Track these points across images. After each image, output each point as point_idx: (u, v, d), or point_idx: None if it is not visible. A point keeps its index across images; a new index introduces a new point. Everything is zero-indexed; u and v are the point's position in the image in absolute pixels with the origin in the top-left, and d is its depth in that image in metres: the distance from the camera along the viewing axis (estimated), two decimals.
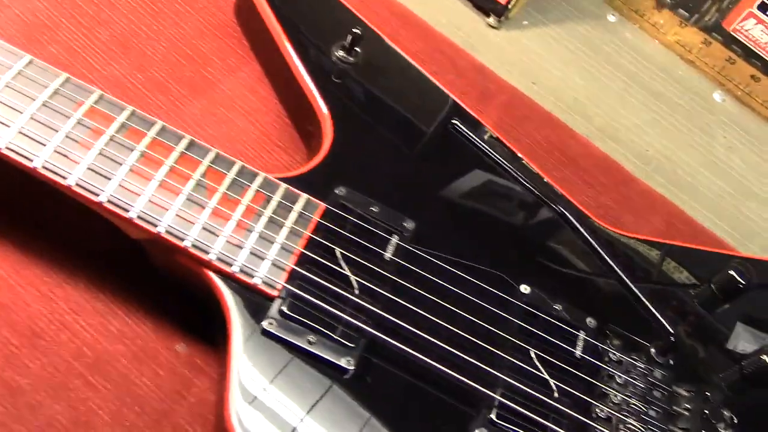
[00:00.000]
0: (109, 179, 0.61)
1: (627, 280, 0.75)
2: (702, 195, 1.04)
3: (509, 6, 1.06)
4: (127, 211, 0.61)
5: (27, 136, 0.61)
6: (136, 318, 0.67)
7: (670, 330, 0.73)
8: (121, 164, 0.62)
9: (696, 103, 1.15)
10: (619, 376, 0.68)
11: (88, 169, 0.61)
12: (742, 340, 0.76)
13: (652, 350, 0.71)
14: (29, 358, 0.63)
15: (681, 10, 1.14)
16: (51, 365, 0.63)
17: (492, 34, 1.08)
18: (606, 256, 0.76)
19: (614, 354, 0.70)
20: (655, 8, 1.16)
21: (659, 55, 1.18)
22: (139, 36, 0.81)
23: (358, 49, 0.78)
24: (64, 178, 0.60)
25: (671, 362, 0.71)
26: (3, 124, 0.61)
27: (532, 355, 0.66)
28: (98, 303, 0.66)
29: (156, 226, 0.61)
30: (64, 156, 0.61)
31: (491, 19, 1.08)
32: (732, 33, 1.12)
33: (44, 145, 0.61)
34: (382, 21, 0.95)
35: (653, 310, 0.73)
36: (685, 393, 0.70)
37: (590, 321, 0.71)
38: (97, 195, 0.60)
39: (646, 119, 1.10)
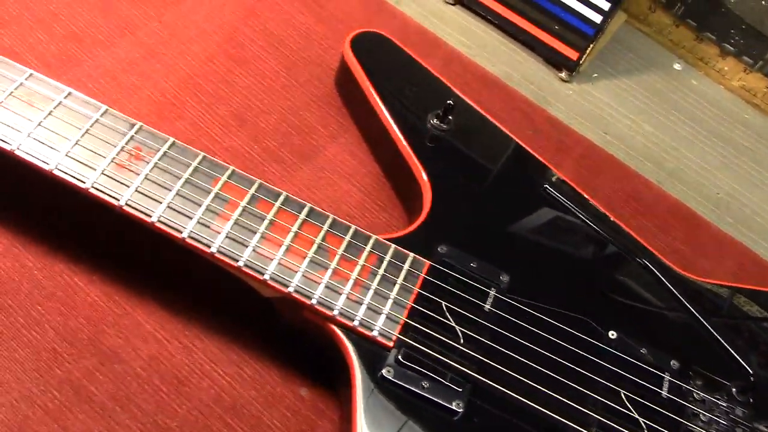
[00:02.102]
0: (246, 246, 0.70)
1: (705, 323, 0.81)
2: None
3: (580, 61, 1.13)
4: (262, 274, 0.69)
5: (174, 210, 0.70)
6: (265, 366, 0.75)
7: (749, 370, 0.78)
8: (254, 232, 0.71)
9: (762, 145, 1.20)
10: (704, 415, 0.74)
11: (227, 237, 0.70)
12: None
13: (733, 389, 0.77)
14: (177, 403, 0.72)
15: (745, 57, 1.20)
16: (195, 409, 0.72)
17: (564, 88, 1.15)
18: (685, 301, 0.82)
19: (698, 393, 0.76)
20: (720, 56, 1.22)
21: (725, 101, 1.23)
22: (252, 110, 0.90)
23: (450, 117, 0.86)
24: (207, 246, 0.69)
25: (752, 400, 0.77)
26: (154, 200, 0.70)
27: (623, 396, 0.73)
28: (232, 353, 0.75)
29: (287, 286, 0.70)
30: (207, 227, 0.70)
31: (563, 74, 1.15)
32: None
33: (190, 217, 0.70)
34: (465, 83, 1.03)
35: (732, 352, 0.79)
36: (765, 430, 0.75)
37: (674, 363, 0.77)
38: (237, 260, 0.69)
39: (715, 163, 1.15)
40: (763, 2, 1.13)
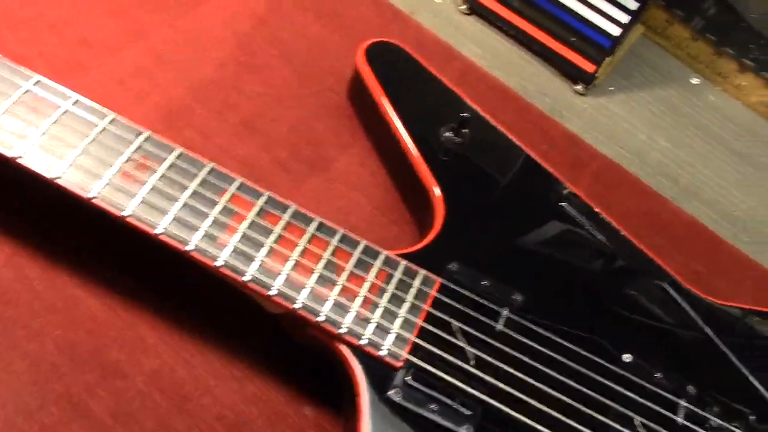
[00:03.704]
0: (252, 260, 0.68)
1: (724, 348, 0.78)
2: None
3: (597, 74, 1.11)
4: (268, 289, 0.68)
5: (180, 222, 0.69)
6: (269, 383, 0.73)
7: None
8: (261, 246, 0.69)
9: None
10: None
11: (234, 251, 0.68)
12: None
13: (752, 417, 0.74)
14: (177, 419, 0.70)
15: (764, 73, 1.18)
16: (196, 426, 0.70)
17: (579, 101, 1.13)
18: (703, 324, 0.79)
19: (714, 421, 0.73)
20: (738, 71, 1.20)
21: (743, 116, 1.21)
22: (263, 118, 0.89)
23: (465, 130, 0.84)
24: (213, 260, 0.68)
25: None
26: (160, 211, 0.68)
27: (636, 422, 0.71)
28: (236, 370, 0.73)
29: (293, 302, 0.68)
30: (213, 240, 0.68)
31: (579, 87, 1.13)
32: None
33: (196, 230, 0.68)
34: (480, 95, 1.01)
35: (751, 379, 0.77)
36: None
37: (690, 388, 0.74)
38: (242, 275, 0.68)
39: (731, 179, 1.13)
40: None
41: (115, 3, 0.92)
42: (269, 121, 0.89)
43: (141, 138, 0.71)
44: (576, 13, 1.08)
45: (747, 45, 1.17)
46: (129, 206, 0.68)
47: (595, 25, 1.08)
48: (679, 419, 0.72)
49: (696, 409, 0.73)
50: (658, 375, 0.74)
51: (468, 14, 1.16)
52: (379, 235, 0.85)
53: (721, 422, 0.73)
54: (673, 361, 0.76)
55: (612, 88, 1.17)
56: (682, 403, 0.73)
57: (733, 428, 0.73)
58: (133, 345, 0.72)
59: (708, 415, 0.73)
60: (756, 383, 0.76)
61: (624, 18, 1.06)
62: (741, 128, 1.20)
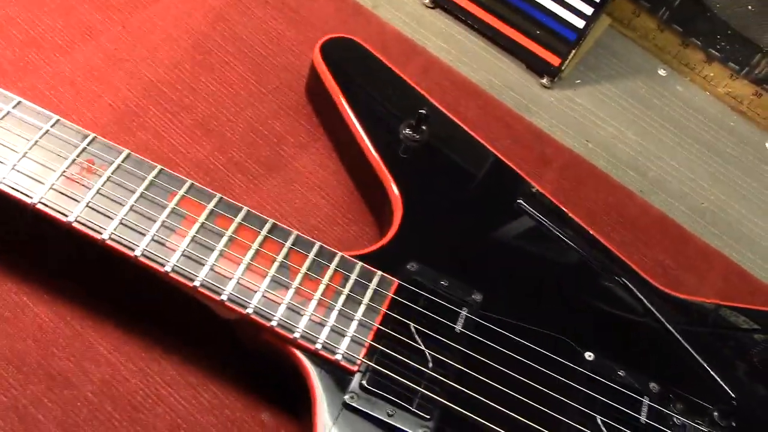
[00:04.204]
0: (202, 264, 0.67)
1: (686, 344, 0.77)
2: (758, 245, 1.06)
3: (562, 67, 1.10)
4: (219, 294, 0.66)
5: (127, 226, 0.67)
6: (225, 390, 0.72)
7: (731, 393, 0.75)
8: (212, 250, 0.67)
9: (749, 153, 1.17)
10: None
11: (183, 255, 0.67)
12: None
13: (715, 414, 0.73)
14: (130, 430, 0.68)
15: (731, 63, 1.17)
16: None
17: (545, 94, 1.12)
18: (665, 321, 0.78)
19: (678, 418, 0.72)
20: (706, 61, 1.19)
21: (711, 107, 1.20)
22: (219, 118, 0.87)
23: (424, 127, 0.82)
24: (162, 265, 0.66)
25: (734, 425, 0.73)
26: (106, 216, 0.66)
27: (598, 421, 0.70)
28: (190, 377, 0.71)
29: (245, 307, 0.66)
30: (162, 244, 0.67)
31: (545, 80, 1.12)
32: None
33: (144, 234, 0.66)
34: (443, 90, 1.00)
35: (713, 374, 0.76)
36: None
37: (653, 386, 0.73)
38: (192, 280, 0.66)
39: (700, 171, 1.12)
40: (749, 7, 1.09)
41: (65, 1, 0.89)
42: (225, 121, 0.87)
43: (86, 141, 0.70)
44: (541, 6, 1.07)
45: (713, 35, 1.16)
46: (74, 211, 0.66)
47: (560, 18, 1.07)
48: (643, 417, 0.71)
49: (659, 407, 0.72)
50: (621, 373, 0.73)
51: (432, 8, 1.14)
52: (339, 236, 0.84)
53: (684, 419, 0.72)
54: (636, 359, 0.75)
55: (579, 81, 1.16)
56: (645, 401, 0.72)
57: (696, 425, 0.72)
58: (83, 354, 0.70)
59: (671, 413, 0.72)
60: (718, 379, 0.75)
61: (588, 10, 1.05)
62: (709, 119, 1.19)
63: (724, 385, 0.75)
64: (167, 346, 0.72)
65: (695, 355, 0.76)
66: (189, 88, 0.88)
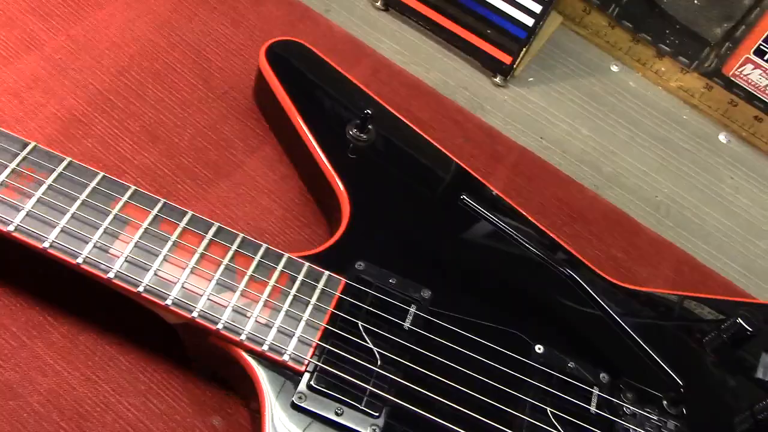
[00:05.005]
0: (146, 270, 0.66)
1: (634, 334, 0.78)
2: (712, 236, 1.07)
3: (514, 65, 1.11)
4: (164, 299, 0.66)
5: (69, 234, 0.66)
6: (175, 395, 0.71)
7: (679, 381, 0.76)
8: (156, 255, 0.67)
9: (702, 146, 1.18)
10: (634, 430, 0.72)
11: (127, 261, 0.66)
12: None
13: (665, 402, 0.74)
14: None
15: (681, 58, 1.18)
16: None
17: (499, 93, 1.13)
18: (614, 313, 0.79)
19: (628, 408, 0.73)
20: (656, 57, 1.20)
21: (663, 102, 1.22)
22: (166, 125, 0.87)
23: (370, 126, 0.83)
24: (105, 272, 0.65)
25: (684, 412, 0.74)
26: (48, 224, 0.66)
27: (549, 414, 0.70)
28: (139, 383, 0.71)
29: (190, 311, 0.66)
30: (104, 251, 0.66)
31: (498, 79, 1.13)
32: (732, 78, 1.16)
33: (86, 242, 0.66)
34: (393, 91, 1.00)
35: (661, 362, 0.77)
36: None
37: (603, 376, 0.74)
38: (136, 286, 0.65)
39: (653, 165, 1.13)
40: (696, 2, 1.11)
41: (6, 11, 0.89)
42: (173, 126, 0.87)
43: (27, 149, 0.69)
44: (491, 5, 1.08)
45: (663, 31, 1.17)
46: (14, 221, 0.65)
47: (510, 16, 1.08)
48: (593, 408, 0.72)
49: (609, 397, 0.73)
50: (571, 365, 0.74)
51: (384, 10, 1.14)
52: (291, 239, 0.84)
53: (635, 408, 0.73)
54: (586, 350, 0.76)
55: (532, 79, 1.17)
56: (596, 391, 0.73)
57: (646, 413, 0.73)
58: (28, 364, 0.69)
59: (622, 402, 0.73)
60: (667, 368, 0.76)
61: (537, 8, 1.06)
62: (662, 113, 1.21)
63: (672, 373, 0.76)
64: (114, 352, 0.72)
65: (643, 344, 0.77)
66: (135, 95, 0.87)
